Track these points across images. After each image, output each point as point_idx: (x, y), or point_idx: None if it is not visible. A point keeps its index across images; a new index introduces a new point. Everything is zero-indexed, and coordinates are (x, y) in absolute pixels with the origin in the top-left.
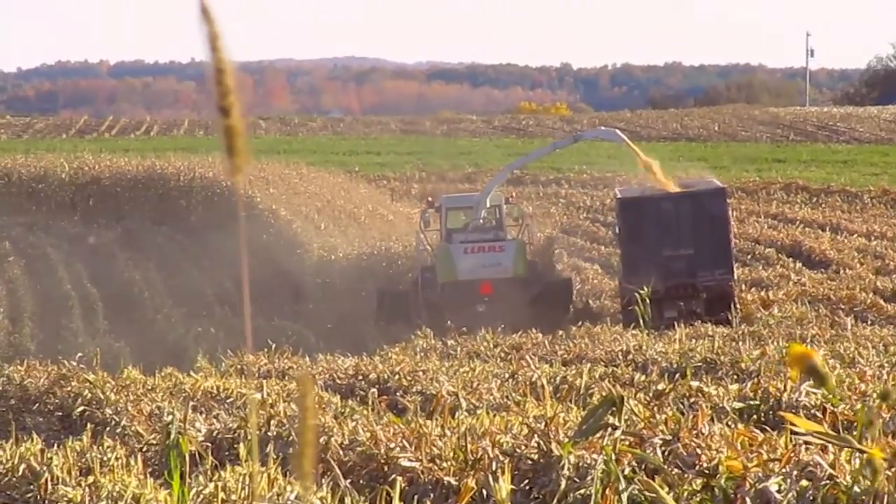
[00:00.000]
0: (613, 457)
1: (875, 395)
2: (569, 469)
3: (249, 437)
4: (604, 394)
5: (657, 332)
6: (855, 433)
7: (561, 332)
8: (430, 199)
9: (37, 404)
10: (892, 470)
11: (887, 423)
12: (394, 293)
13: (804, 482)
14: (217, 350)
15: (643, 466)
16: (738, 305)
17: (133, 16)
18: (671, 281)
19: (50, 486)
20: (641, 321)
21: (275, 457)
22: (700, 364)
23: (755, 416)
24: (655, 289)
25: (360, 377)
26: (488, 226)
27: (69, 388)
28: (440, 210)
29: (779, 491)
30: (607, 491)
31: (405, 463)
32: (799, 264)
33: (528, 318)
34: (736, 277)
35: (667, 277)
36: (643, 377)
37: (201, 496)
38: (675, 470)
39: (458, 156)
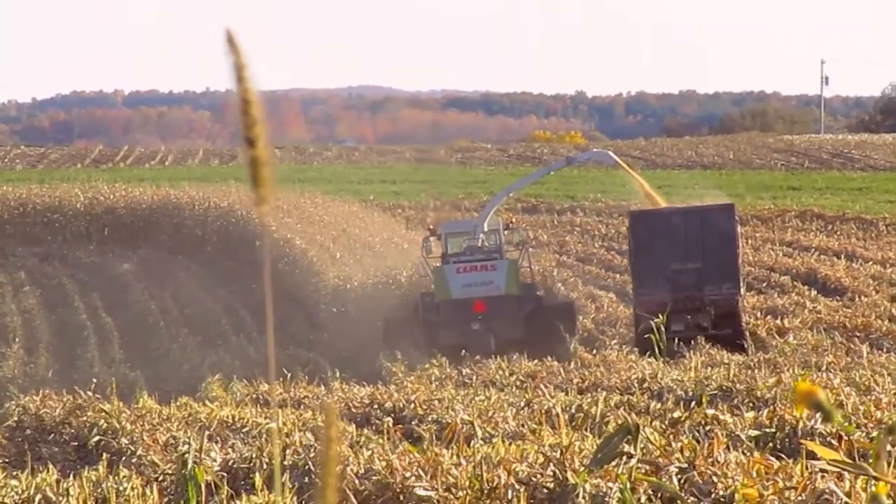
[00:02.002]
0: (629, 485)
1: (888, 426)
2: (584, 498)
3: (266, 468)
4: (619, 422)
5: (673, 360)
6: (871, 461)
7: (576, 360)
8: (431, 227)
9: (52, 434)
10: None
11: None
12: (399, 319)
13: None
14: (232, 379)
15: (659, 495)
16: (743, 321)
17: (147, 45)
18: (679, 293)
19: None
20: (657, 349)
21: (291, 486)
22: (716, 392)
23: (771, 444)
24: (663, 301)
25: (376, 406)
26: (485, 248)
27: (85, 418)
28: (441, 235)
29: None
30: None
31: (421, 492)
32: (814, 292)
33: (522, 336)
34: (743, 292)
35: (674, 290)
36: (659, 405)
37: None
38: (691, 498)
39: (473, 184)
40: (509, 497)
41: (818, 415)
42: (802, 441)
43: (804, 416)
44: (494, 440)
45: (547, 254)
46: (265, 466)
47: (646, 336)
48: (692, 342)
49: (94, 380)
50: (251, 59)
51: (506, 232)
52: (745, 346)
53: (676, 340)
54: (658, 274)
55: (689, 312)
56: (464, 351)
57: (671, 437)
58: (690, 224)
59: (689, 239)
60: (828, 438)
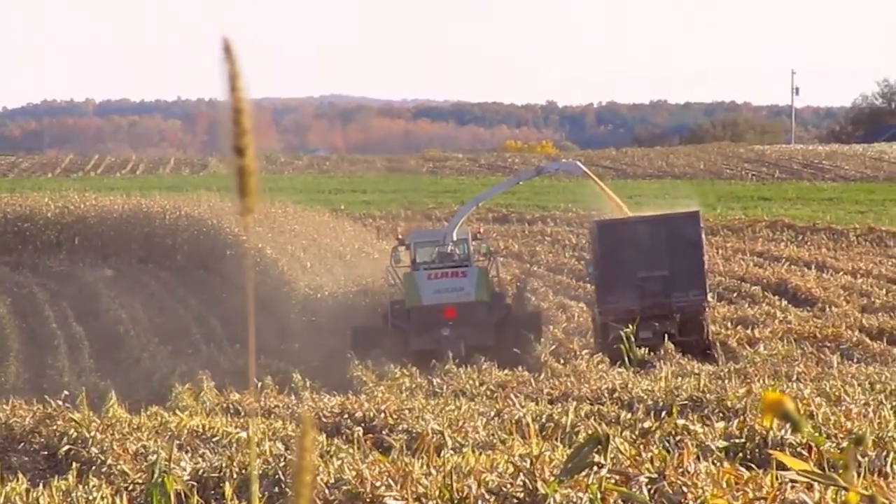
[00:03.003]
0: (599, 495)
1: (855, 437)
2: None
3: (236, 477)
4: (589, 432)
5: (643, 370)
6: (841, 471)
7: (546, 371)
8: (399, 236)
9: (22, 443)
10: None
11: (873, 462)
12: (367, 328)
13: None
14: (203, 389)
15: None
16: (709, 327)
17: (118, 54)
18: (647, 301)
19: None
20: (627, 359)
21: (261, 495)
22: (686, 402)
23: (741, 455)
24: (631, 308)
25: (346, 415)
26: (455, 256)
27: (55, 427)
28: (410, 245)
29: None
30: None
31: (391, 502)
32: (785, 302)
33: (492, 342)
34: (709, 299)
35: (642, 298)
36: (629, 415)
37: None
38: None
39: (444, 194)
40: None
41: (787, 425)
42: (772, 451)
43: (774, 426)
44: (464, 450)
45: (514, 264)
46: (235, 476)
47: (615, 346)
48: (660, 350)
49: (65, 389)
50: (246, 69)
51: (474, 242)
52: (712, 352)
53: (643, 348)
54: (625, 282)
55: (656, 319)
56: (433, 361)
57: (641, 447)
58: (656, 232)
59: (655, 247)
60: (798, 449)
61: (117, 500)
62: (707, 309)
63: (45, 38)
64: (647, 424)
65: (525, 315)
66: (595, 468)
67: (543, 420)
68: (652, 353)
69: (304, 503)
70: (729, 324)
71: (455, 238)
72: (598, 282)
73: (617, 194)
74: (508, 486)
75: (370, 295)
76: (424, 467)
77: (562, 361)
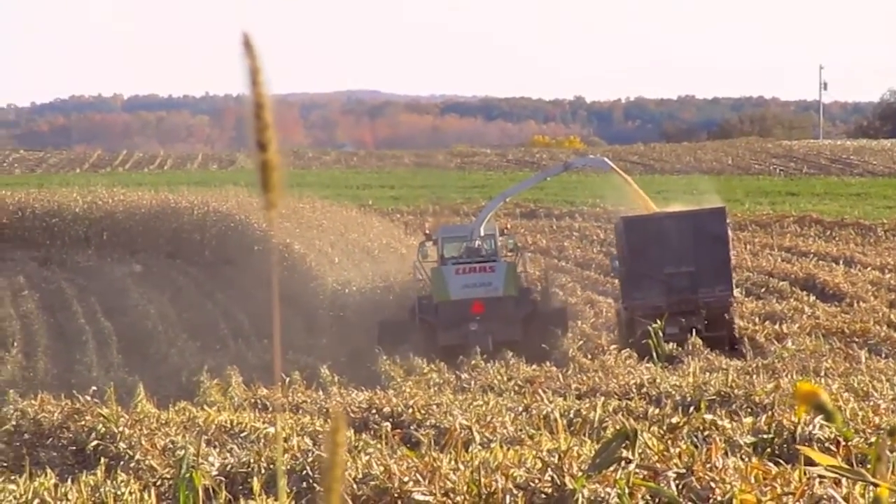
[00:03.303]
0: (627, 490)
1: (888, 429)
2: (582, 503)
3: (264, 472)
4: (618, 427)
5: (671, 365)
6: (869, 466)
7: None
8: (427, 232)
9: (51, 439)
10: None
11: None
12: (394, 323)
13: None
14: (231, 384)
15: (657, 500)
16: (735, 322)
17: (147, 50)
18: (673, 297)
19: None
20: (654, 354)
21: (289, 491)
22: (714, 397)
23: (769, 450)
24: (657, 304)
25: (374, 411)
26: (482, 251)
27: (83, 423)
28: (437, 240)
29: None
30: None
31: (419, 497)
32: (812, 297)
33: (519, 337)
34: (735, 294)
35: (669, 293)
36: (657, 410)
37: None
38: (689, 503)
39: (472, 189)
40: (507, 502)
41: (819, 417)
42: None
43: (802, 421)
44: (492, 445)
45: (540, 260)
46: (263, 471)
47: (643, 341)
48: (687, 345)
49: (93, 385)
50: (266, 64)
51: (501, 237)
52: (738, 347)
53: (670, 343)
54: (652, 278)
55: (682, 315)
56: (461, 356)
57: (669, 442)
58: (683, 228)
59: (681, 243)
60: (826, 444)
61: (145, 496)
62: (733, 304)
63: (73, 34)
64: (675, 420)
65: (551, 310)
66: (623, 463)
67: (571, 415)
68: (680, 349)
69: (335, 498)
70: (757, 319)
71: (482, 233)
72: (625, 277)
73: (644, 190)
74: (536, 481)
75: (396, 290)
76: (452, 462)
77: (589, 356)
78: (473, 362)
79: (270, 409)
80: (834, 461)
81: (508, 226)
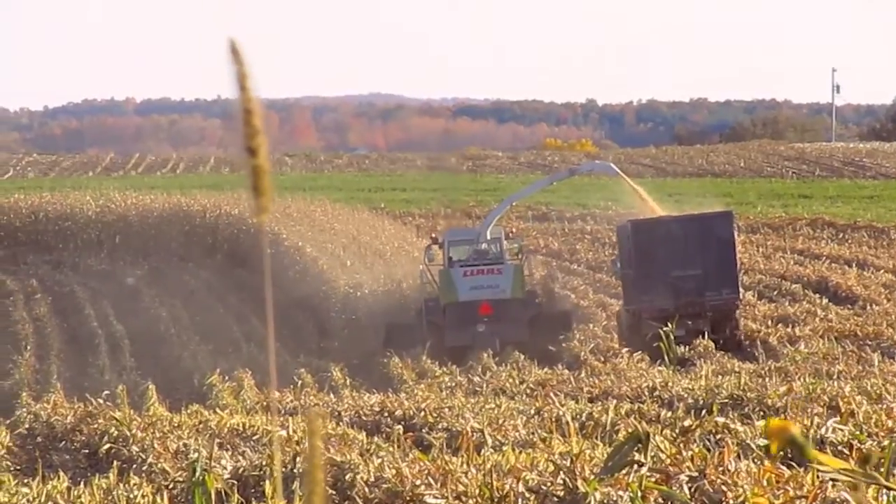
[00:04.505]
0: (640, 493)
1: None
2: None
3: (274, 475)
4: (630, 430)
5: (683, 369)
6: (882, 470)
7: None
8: (433, 235)
9: (63, 441)
10: None
11: None
12: (401, 325)
13: None
14: (243, 387)
15: (670, 503)
16: (741, 324)
17: (159, 53)
18: (680, 300)
19: None
20: (666, 357)
21: (300, 494)
22: (726, 400)
23: (782, 453)
24: (664, 307)
25: (386, 414)
26: (489, 254)
27: (96, 426)
28: (443, 243)
29: None
30: None
31: (431, 500)
32: (825, 300)
33: (526, 339)
34: (741, 297)
35: (676, 296)
36: (669, 413)
37: None
38: None
39: (484, 192)
40: None
41: (834, 419)
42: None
43: (815, 424)
44: (504, 448)
45: (545, 262)
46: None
47: (655, 343)
48: (698, 347)
49: (106, 388)
50: (254, 69)
51: (506, 241)
52: (744, 349)
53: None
54: (659, 281)
55: (689, 318)
56: (470, 361)
57: (682, 445)
58: (690, 232)
59: (688, 246)
60: (839, 447)
61: (158, 499)
62: (739, 307)
63: (86, 38)
64: (687, 423)
65: (557, 312)
66: (635, 467)
67: (583, 418)
68: (692, 351)
69: (318, 501)
70: (769, 322)
71: (489, 237)
72: (632, 280)
73: (657, 192)
74: (548, 484)
75: (403, 292)
76: (464, 466)
77: (602, 359)
78: (484, 364)
79: (283, 411)
80: (845, 465)
81: (514, 230)
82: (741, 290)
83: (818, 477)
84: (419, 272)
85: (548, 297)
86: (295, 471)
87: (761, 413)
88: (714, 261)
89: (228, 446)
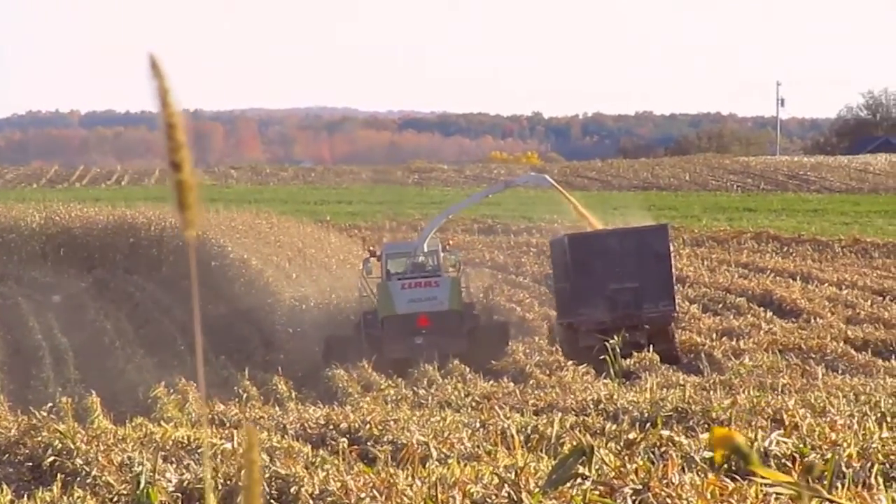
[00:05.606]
0: None
1: (845, 445)
2: None
3: (221, 488)
4: (574, 443)
5: (628, 381)
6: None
7: (532, 381)
8: (371, 248)
9: (7, 454)
10: None
11: (857, 473)
12: (340, 338)
13: None
14: (188, 400)
15: None
16: (677, 336)
17: (104, 65)
18: (618, 312)
19: None
20: (612, 371)
21: None
22: (671, 413)
23: (726, 466)
24: (602, 320)
25: (332, 426)
26: (427, 267)
27: (39, 439)
28: (381, 256)
29: None
30: None
31: None
32: (770, 313)
33: (464, 350)
34: (678, 309)
35: (613, 309)
36: (614, 426)
37: None
38: None
39: (430, 205)
40: None
41: (778, 432)
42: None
43: (759, 437)
44: (449, 461)
45: (484, 274)
46: (220, 487)
47: (601, 357)
48: (640, 361)
49: (50, 400)
50: (175, 84)
51: (444, 253)
52: (680, 361)
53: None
54: (596, 294)
55: (627, 330)
56: (413, 371)
57: (626, 458)
58: (626, 245)
59: (625, 259)
60: (782, 460)
61: None
62: (676, 319)
63: (30, 49)
64: (632, 436)
65: (495, 324)
66: (580, 479)
67: (528, 431)
68: (636, 364)
69: None
70: (714, 335)
71: (426, 249)
72: (569, 293)
73: (602, 206)
74: (493, 497)
75: (342, 305)
76: (409, 478)
77: (547, 372)
78: (429, 377)
79: (228, 424)
80: (787, 478)
81: (458, 242)
82: (677, 302)
83: (762, 489)
84: (358, 285)
85: (488, 310)
86: (240, 483)
87: (706, 426)
88: (651, 274)
89: (173, 459)
